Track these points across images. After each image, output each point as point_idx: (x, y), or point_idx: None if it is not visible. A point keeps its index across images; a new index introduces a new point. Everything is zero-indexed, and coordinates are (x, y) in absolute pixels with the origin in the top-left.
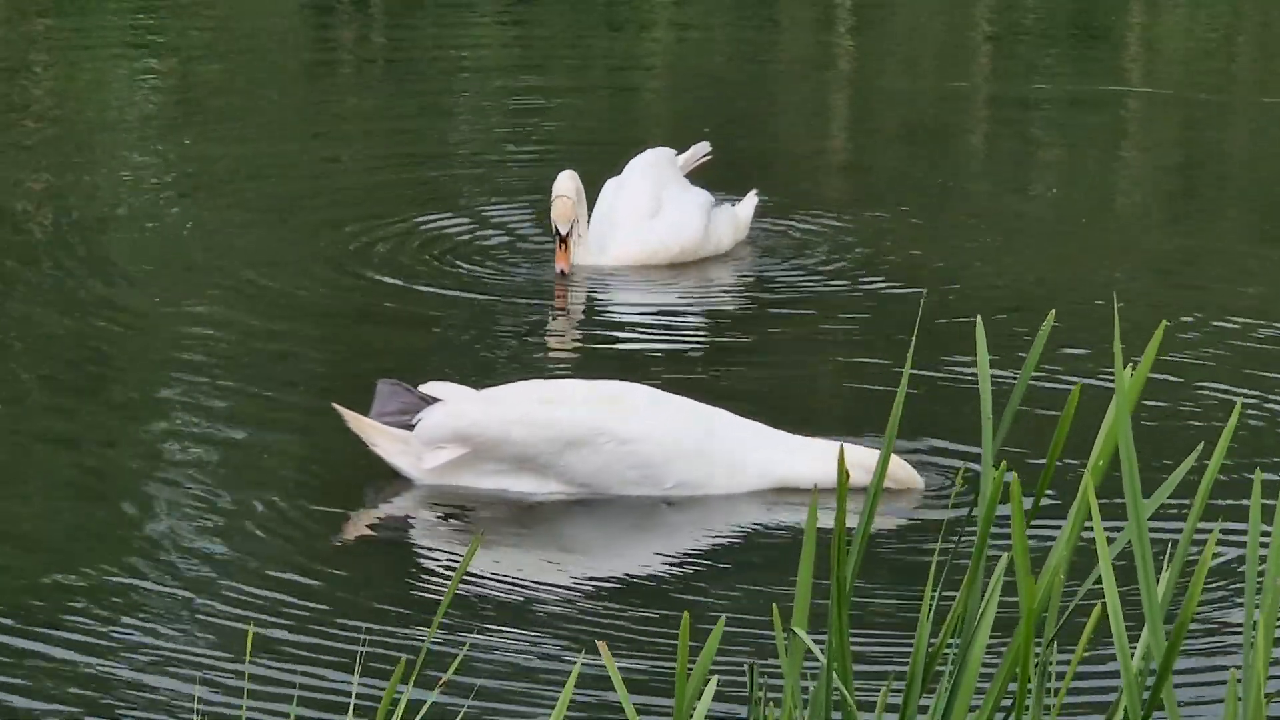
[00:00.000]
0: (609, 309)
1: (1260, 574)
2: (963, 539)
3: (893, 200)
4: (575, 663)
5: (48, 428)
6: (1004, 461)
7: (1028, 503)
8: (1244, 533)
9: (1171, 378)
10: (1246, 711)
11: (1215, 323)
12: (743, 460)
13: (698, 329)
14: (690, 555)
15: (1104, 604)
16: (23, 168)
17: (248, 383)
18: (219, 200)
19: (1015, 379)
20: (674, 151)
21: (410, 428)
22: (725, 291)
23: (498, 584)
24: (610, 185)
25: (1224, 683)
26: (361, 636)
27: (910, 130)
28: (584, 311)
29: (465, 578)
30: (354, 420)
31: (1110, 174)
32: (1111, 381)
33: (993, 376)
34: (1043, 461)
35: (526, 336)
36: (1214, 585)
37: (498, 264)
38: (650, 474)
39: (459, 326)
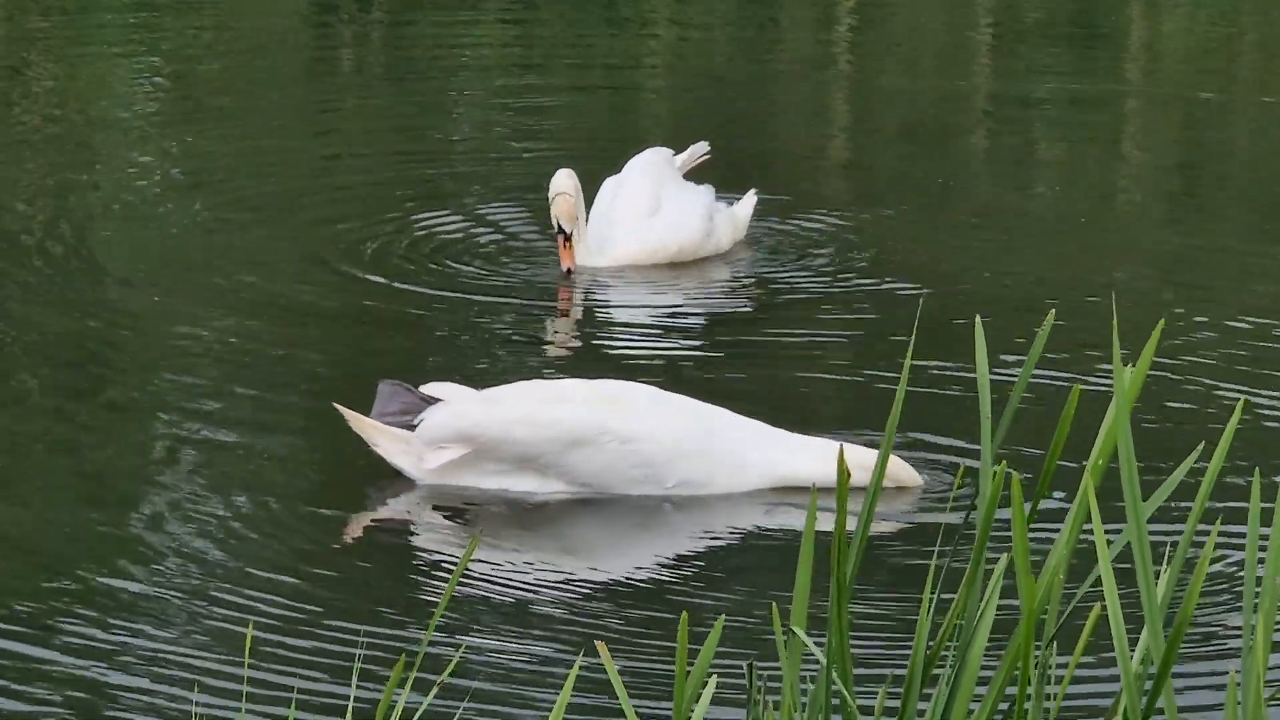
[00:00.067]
0: (609, 309)
1: (1259, 575)
2: (962, 539)
3: (893, 200)
4: (574, 663)
5: (45, 430)
6: (1004, 461)
7: (1027, 503)
8: (1244, 534)
9: (1172, 376)
10: (1246, 713)
11: (1216, 322)
12: (744, 459)
13: (698, 329)
14: (690, 555)
15: (1103, 605)
16: (22, 167)
17: (248, 383)
18: (219, 200)
19: (1015, 378)
20: (672, 151)
21: (412, 428)
22: (725, 291)
23: (498, 584)
24: (609, 184)
25: (1223, 687)
26: (360, 639)
27: (910, 130)
28: (584, 311)
29: (466, 578)
30: (355, 420)
31: (1110, 173)
32: (1111, 381)
33: (992, 376)
34: (1042, 460)
35: (527, 336)
36: (1215, 586)
37: (498, 263)
38: (653, 473)
39: (460, 327)
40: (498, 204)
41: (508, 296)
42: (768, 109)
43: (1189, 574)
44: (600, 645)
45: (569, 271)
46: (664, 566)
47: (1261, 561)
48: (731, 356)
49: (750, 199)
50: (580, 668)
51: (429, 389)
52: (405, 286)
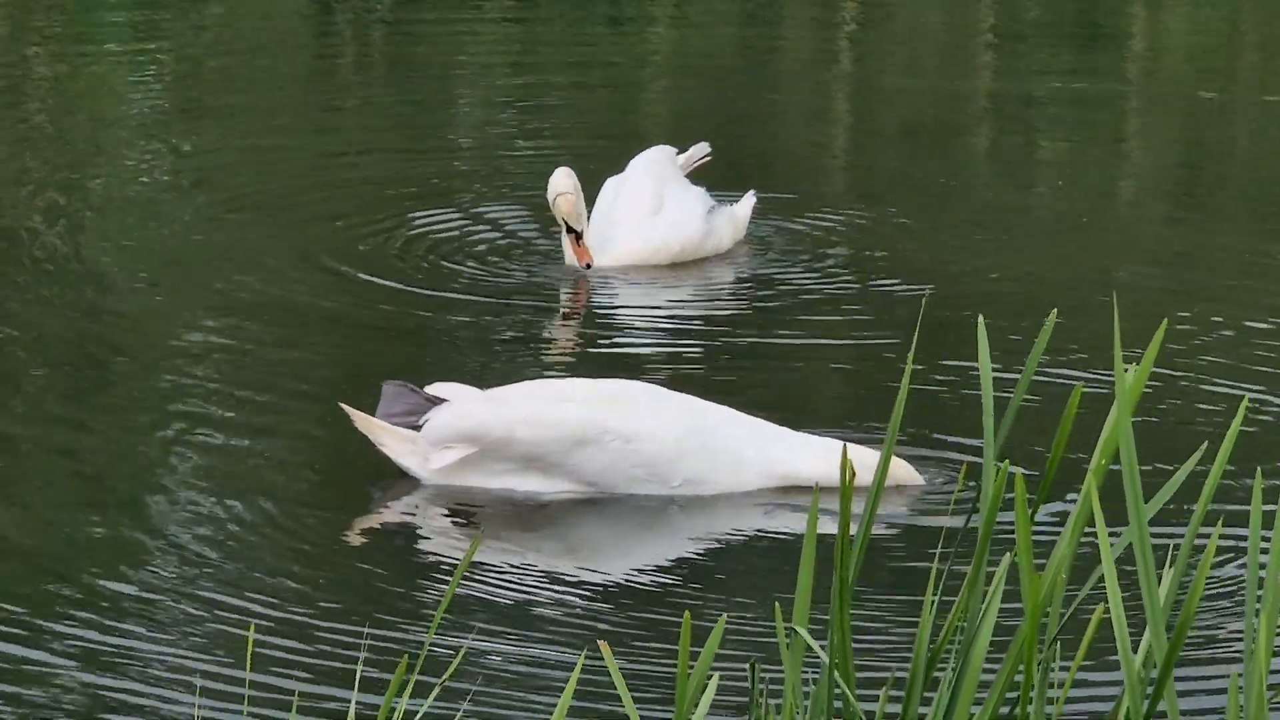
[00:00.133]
0: (611, 308)
1: (1261, 575)
2: (964, 539)
3: (894, 199)
4: (576, 662)
5: (45, 432)
6: (1006, 460)
7: (1031, 499)
8: (1247, 535)
9: (1174, 373)
10: (1248, 716)
11: (1217, 321)
12: (747, 458)
13: (699, 328)
14: (692, 556)
15: (1106, 606)
16: (23, 166)
17: (250, 384)
18: (221, 199)
19: (1017, 377)
20: (675, 150)
21: (417, 428)
22: (726, 290)
23: (502, 584)
24: (610, 184)
25: (1224, 691)
26: (363, 641)
27: (911, 129)
28: (586, 311)
29: (470, 577)
30: (361, 420)
31: (1112, 173)
32: (1113, 380)
33: (995, 375)
34: (1045, 459)
35: (529, 336)
36: (1217, 587)
37: (501, 263)
38: (657, 471)
39: (462, 327)
40: (500, 203)
41: (510, 296)
42: (768, 109)
43: (1191, 575)
44: (603, 644)
45: (589, 266)
46: (667, 567)
47: (1263, 563)
48: (732, 355)
49: (749, 199)
50: (582, 668)
51: (433, 389)
52: (407, 286)
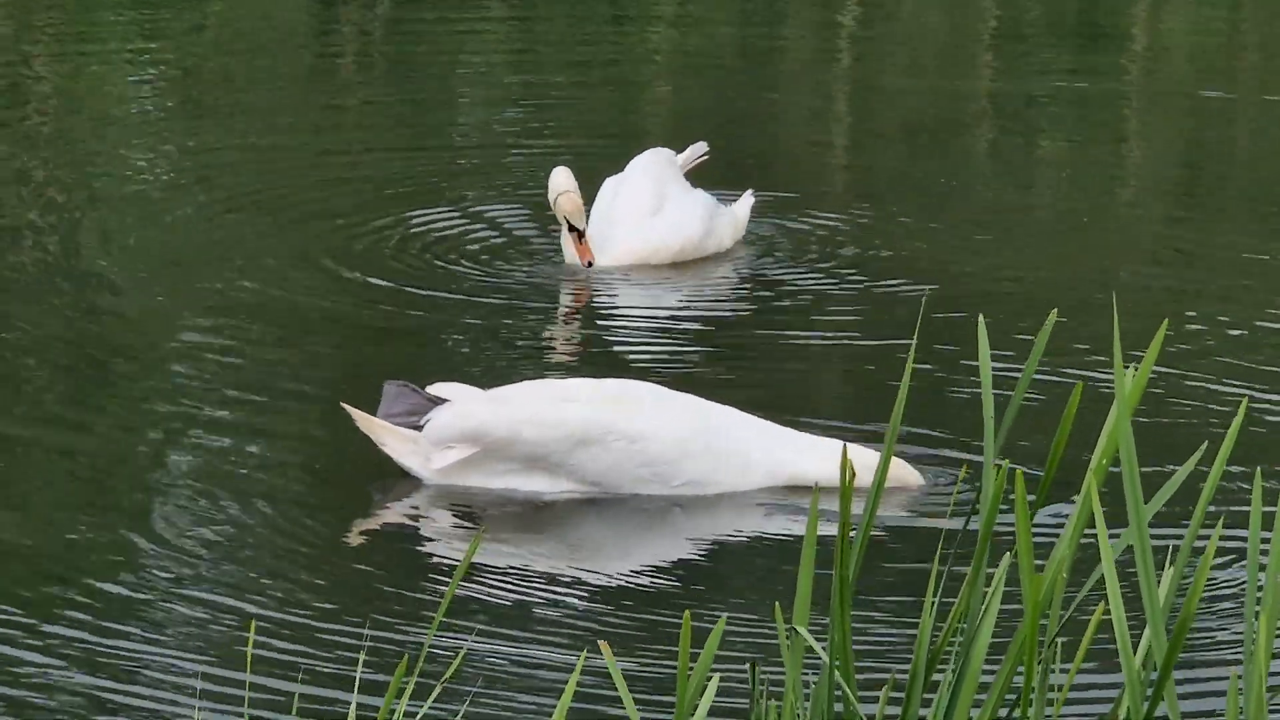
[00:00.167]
0: (611, 308)
1: (1261, 576)
2: (964, 538)
3: (894, 199)
4: (577, 663)
5: (44, 432)
6: (1006, 460)
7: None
8: (1247, 536)
9: (1174, 373)
10: (1248, 716)
11: (1218, 321)
12: (752, 459)
13: (699, 327)
14: (693, 556)
15: (1106, 605)
16: (22, 166)
17: (251, 384)
18: (221, 198)
19: (1018, 377)
20: (674, 152)
21: (418, 428)
22: (727, 290)
23: (503, 584)
24: (609, 184)
25: (1224, 693)
26: (364, 642)
27: (912, 129)
28: (587, 311)
29: (472, 577)
30: (363, 420)
31: (1113, 172)
32: (1113, 379)
33: (995, 375)
34: (1045, 458)
35: (530, 336)
36: (1217, 588)
37: (502, 262)
38: (660, 471)
39: (463, 326)
40: (500, 203)
41: (511, 296)
42: (768, 109)
43: (1191, 576)
44: (603, 644)
45: (590, 264)
46: (667, 568)
47: (1263, 567)
48: (733, 355)
49: (748, 199)
50: (583, 669)
51: (435, 389)
52: (407, 286)
